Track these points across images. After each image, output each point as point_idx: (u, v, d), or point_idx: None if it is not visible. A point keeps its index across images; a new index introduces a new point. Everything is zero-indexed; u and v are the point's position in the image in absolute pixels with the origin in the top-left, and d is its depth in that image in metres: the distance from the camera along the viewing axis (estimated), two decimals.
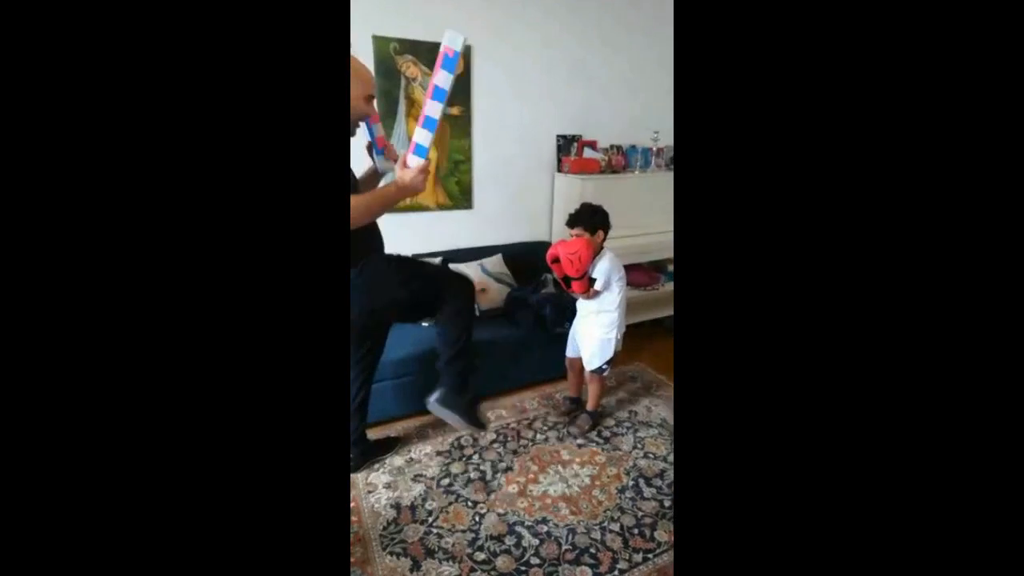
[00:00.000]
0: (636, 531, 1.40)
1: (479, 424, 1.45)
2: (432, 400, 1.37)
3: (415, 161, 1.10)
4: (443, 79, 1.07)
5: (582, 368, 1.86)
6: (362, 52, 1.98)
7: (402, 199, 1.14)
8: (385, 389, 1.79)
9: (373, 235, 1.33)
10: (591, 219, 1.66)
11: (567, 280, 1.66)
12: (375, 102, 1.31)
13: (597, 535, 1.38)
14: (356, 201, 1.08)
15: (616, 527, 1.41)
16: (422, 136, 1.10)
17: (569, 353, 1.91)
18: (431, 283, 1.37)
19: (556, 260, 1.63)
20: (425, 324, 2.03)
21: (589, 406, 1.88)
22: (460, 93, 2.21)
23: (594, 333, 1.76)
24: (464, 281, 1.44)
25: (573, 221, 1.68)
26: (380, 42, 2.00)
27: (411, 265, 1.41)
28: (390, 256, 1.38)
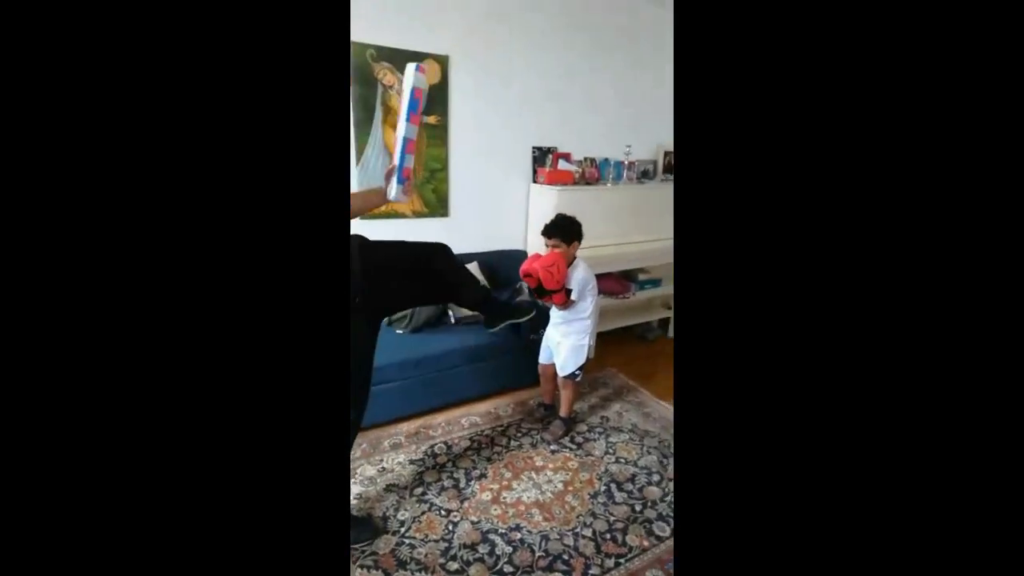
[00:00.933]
0: (608, 536, 1.42)
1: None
2: (485, 328, 1.66)
3: None
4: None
5: (555, 374, 1.88)
6: None
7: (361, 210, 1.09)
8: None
9: None
10: (568, 230, 1.69)
11: (540, 292, 1.68)
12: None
13: (570, 541, 1.40)
14: None
15: (588, 532, 1.43)
16: None
17: (542, 359, 1.93)
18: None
19: (529, 275, 1.64)
20: (399, 332, 2.01)
21: (562, 412, 1.90)
22: (437, 103, 2.23)
23: (567, 340, 1.79)
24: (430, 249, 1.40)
25: (550, 232, 1.70)
26: (357, 48, 2.00)
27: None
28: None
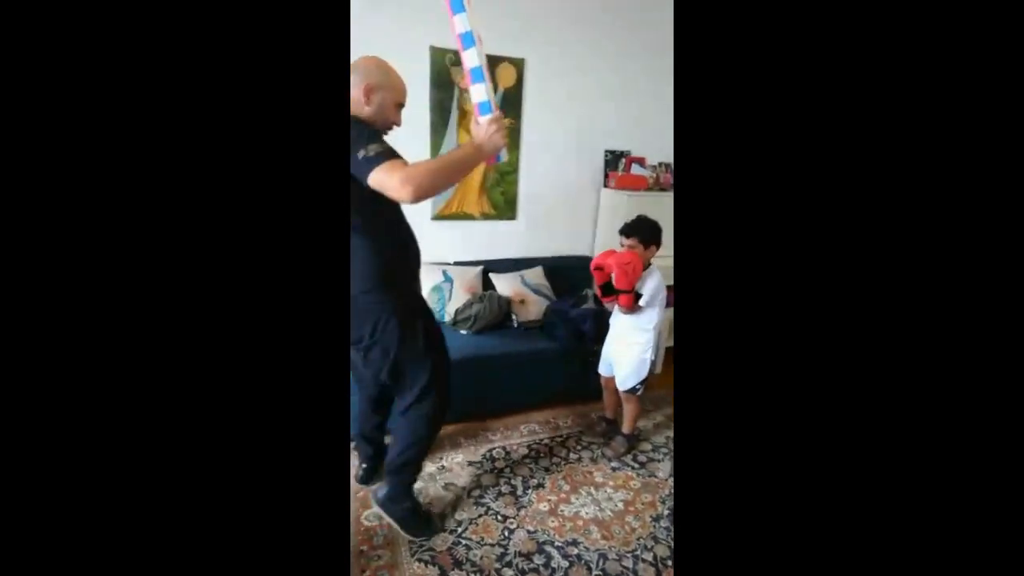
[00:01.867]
0: (671, 563, 1.34)
1: (420, 534, 1.38)
2: (376, 498, 1.40)
3: (485, 119, 1.11)
4: (460, 23, 1.03)
5: (617, 387, 1.81)
6: (418, 63, 2.04)
7: (482, 159, 1.11)
8: None
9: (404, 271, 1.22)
10: (649, 232, 1.62)
11: (607, 290, 1.61)
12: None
13: (629, 563, 1.34)
14: (427, 165, 1.02)
15: (649, 556, 1.36)
16: (478, 92, 1.08)
17: (602, 371, 1.87)
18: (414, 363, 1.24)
19: (600, 268, 1.59)
20: (464, 332, 2.04)
21: (625, 428, 1.83)
22: (512, 106, 2.24)
23: (629, 352, 1.71)
24: (444, 376, 1.32)
25: (629, 231, 1.62)
26: (436, 53, 2.06)
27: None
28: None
